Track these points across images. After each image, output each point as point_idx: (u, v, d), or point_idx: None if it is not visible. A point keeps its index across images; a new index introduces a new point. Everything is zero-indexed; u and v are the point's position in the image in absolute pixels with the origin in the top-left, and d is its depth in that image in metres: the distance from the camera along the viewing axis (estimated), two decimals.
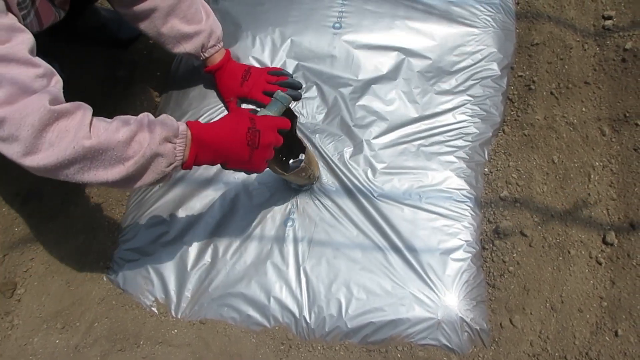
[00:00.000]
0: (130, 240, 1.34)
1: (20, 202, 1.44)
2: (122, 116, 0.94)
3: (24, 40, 0.87)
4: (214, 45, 1.35)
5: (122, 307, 1.27)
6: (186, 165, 0.97)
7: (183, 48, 1.32)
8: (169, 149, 0.93)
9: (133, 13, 1.24)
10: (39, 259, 1.37)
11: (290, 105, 1.10)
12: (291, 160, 1.21)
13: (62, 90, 0.91)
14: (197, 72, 1.52)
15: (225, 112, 1.45)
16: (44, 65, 0.89)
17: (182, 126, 0.95)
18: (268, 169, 1.09)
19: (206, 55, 1.36)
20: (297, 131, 1.17)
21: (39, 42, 0.93)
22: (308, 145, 1.18)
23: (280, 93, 1.07)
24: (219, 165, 1.04)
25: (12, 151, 0.85)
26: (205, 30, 1.31)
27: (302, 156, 1.18)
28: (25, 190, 1.46)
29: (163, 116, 0.97)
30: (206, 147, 0.97)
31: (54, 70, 0.92)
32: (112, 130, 0.89)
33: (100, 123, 0.90)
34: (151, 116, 0.95)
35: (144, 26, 1.28)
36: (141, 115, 0.95)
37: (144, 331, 1.23)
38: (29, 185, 1.46)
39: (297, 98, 1.42)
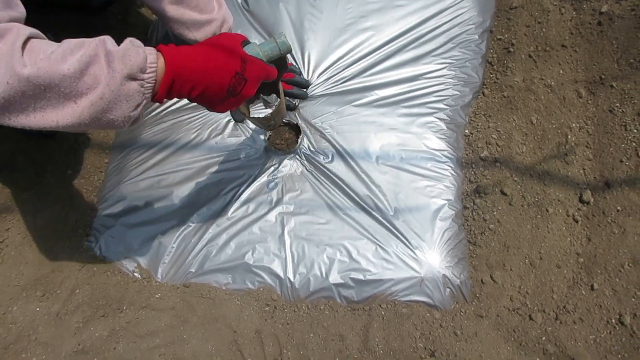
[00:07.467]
0: (110, 207, 1.32)
1: None
2: (73, 40, 0.74)
3: None
4: None
5: (103, 273, 1.26)
6: (157, 98, 0.81)
7: (193, 35, 1.23)
8: (134, 89, 0.75)
9: None
10: (15, 229, 1.34)
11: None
12: (261, 115, 1.13)
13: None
14: (173, 37, 1.49)
15: None
16: None
17: (151, 56, 0.77)
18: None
19: None
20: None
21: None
22: (282, 97, 1.08)
23: (282, 38, 0.94)
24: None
25: None
26: (217, 19, 1.23)
27: (274, 106, 1.09)
28: None
29: (126, 43, 0.76)
30: (183, 79, 0.81)
31: None
32: (55, 58, 0.70)
33: (42, 46, 0.71)
34: (110, 42, 0.75)
35: (155, 7, 1.21)
36: (98, 38, 0.75)
37: (127, 296, 1.22)
38: (1, 156, 1.42)
39: (303, 97, 1.38)
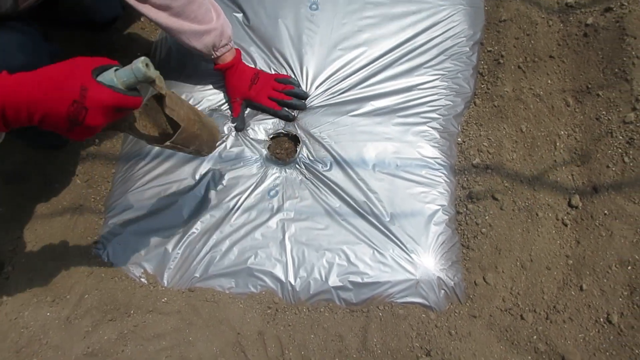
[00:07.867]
0: (117, 216, 1.37)
1: (3, 182, 1.45)
2: None
3: None
4: (226, 45, 1.35)
5: (111, 279, 1.30)
6: None
7: (193, 44, 1.30)
8: None
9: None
10: (25, 238, 1.38)
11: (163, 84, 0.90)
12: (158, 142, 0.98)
13: None
14: (176, 53, 1.55)
15: (228, 111, 1.47)
16: None
17: None
18: None
19: (217, 54, 1.35)
20: None
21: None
22: (189, 125, 0.98)
23: (137, 64, 0.83)
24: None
25: None
26: (216, 29, 1.30)
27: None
28: (6, 171, 1.47)
29: None
30: (14, 107, 0.75)
31: None
32: None
33: None
34: None
35: (157, 20, 1.25)
36: None
37: (134, 301, 1.26)
38: (10, 167, 1.47)
39: (301, 108, 1.44)
